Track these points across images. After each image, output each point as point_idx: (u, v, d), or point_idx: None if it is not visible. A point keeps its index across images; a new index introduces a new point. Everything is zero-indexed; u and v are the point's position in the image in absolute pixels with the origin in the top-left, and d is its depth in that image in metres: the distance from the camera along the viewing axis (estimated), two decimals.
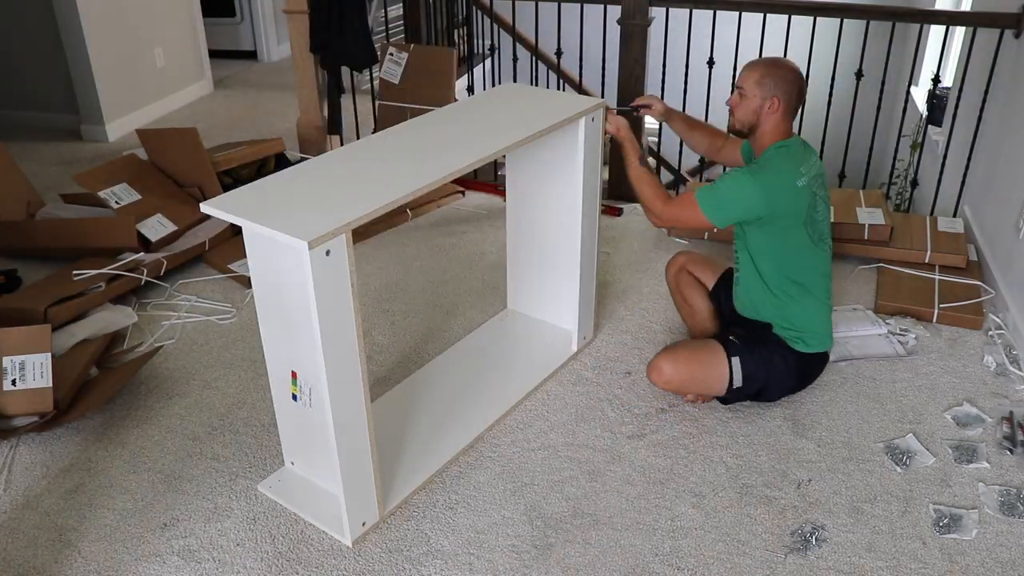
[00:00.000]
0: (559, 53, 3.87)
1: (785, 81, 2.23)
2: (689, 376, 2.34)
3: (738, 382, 2.31)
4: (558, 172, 2.46)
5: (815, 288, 2.33)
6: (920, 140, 3.85)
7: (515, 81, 4.04)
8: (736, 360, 2.30)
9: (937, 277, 3.00)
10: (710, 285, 2.62)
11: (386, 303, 2.99)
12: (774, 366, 2.32)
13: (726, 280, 2.58)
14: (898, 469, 2.18)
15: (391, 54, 3.91)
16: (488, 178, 4.14)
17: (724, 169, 2.58)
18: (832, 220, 2.62)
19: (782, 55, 3.47)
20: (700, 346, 2.39)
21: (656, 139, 4.22)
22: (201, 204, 1.78)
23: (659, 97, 2.76)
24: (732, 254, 2.49)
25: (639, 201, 2.42)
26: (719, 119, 3.72)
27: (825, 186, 2.34)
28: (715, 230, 3.18)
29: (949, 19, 3.44)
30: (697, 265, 2.65)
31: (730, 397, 2.37)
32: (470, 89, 4.40)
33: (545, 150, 2.46)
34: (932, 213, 3.76)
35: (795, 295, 2.31)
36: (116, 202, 3.27)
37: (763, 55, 3.45)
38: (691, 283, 2.64)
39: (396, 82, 3.92)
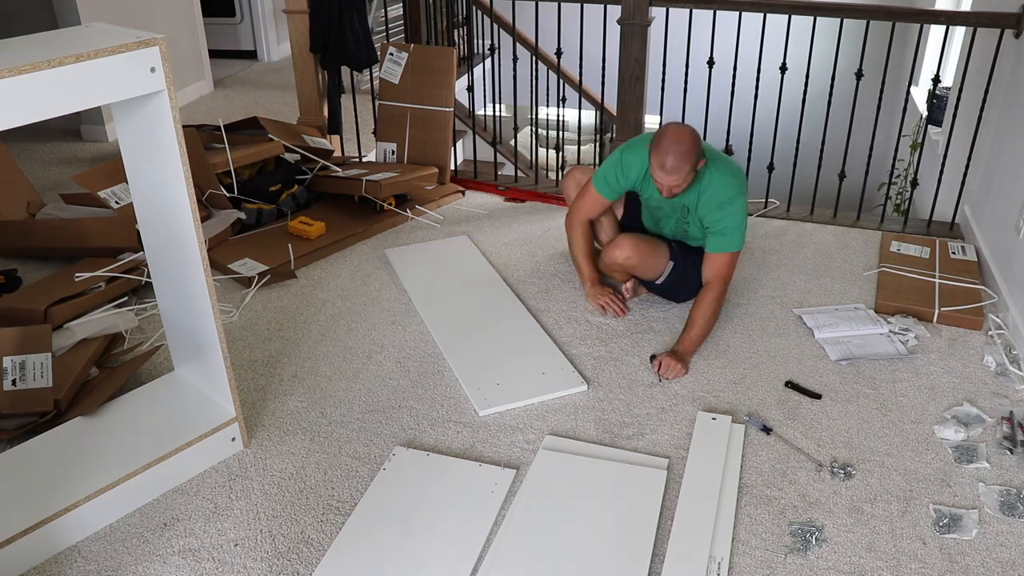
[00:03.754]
0: (559, 53, 3.87)
1: (697, 146, 2.52)
2: (639, 259, 2.77)
3: (662, 280, 2.83)
4: None
5: None
6: (920, 140, 3.85)
7: (515, 81, 4.04)
8: (671, 264, 2.81)
9: (937, 280, 3.00)
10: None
11: (386, 303, 2.99)
12: (688, 279, 2.77)
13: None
14: (898, 469, 2.18)
15: (391, 54, 3.92)
16: (488, 178, 4.15)
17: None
18: None
19: (782, 55, 3.51)
20: (653, 240, 2.84)
21: None
22: None
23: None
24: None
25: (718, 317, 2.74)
26: (719, 119, 3.75)
27: None
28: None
29: (949, 19, 3.43)
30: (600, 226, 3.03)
31: (654, 288, 2.89)
32: (470, 89, 4.40)
33: None
34: (932, 213, 3.77)
35: None
36: (116, 202, 3.27)
37: (763, 55, 3.50)
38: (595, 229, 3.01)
39: (396, 82, 3.92)
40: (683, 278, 2.82)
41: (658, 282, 2.85)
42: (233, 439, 2.23)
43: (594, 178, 2.83)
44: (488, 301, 2.97)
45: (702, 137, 2.65)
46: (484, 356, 2.63)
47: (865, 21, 3.41)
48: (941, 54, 3.48)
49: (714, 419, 2.34)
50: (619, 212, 3.03)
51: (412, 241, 3.45)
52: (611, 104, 3.93)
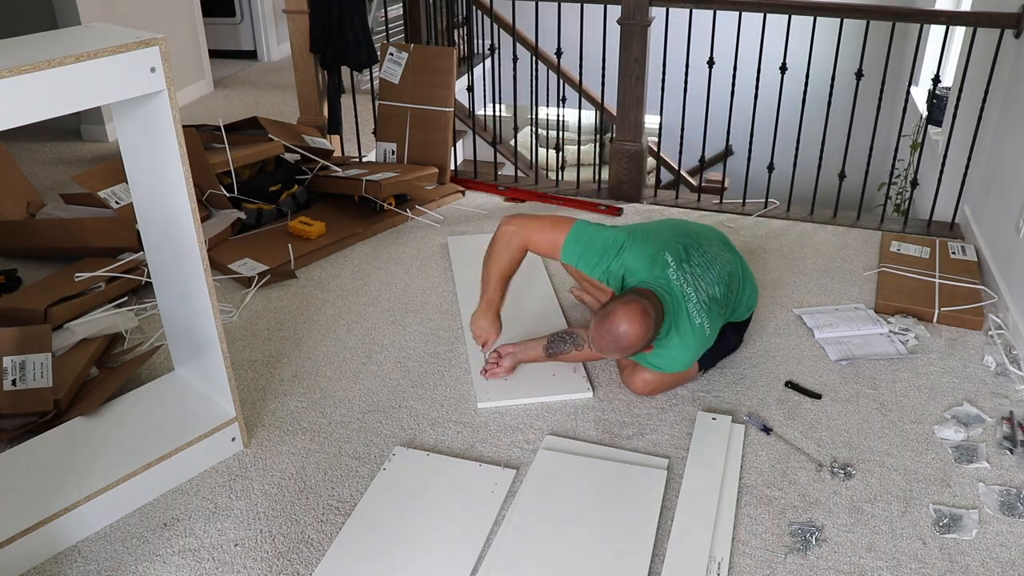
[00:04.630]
0: (559, 53, 3.87)
1: (653, 320, 2.14)
2: (670, 377, 2.41)
3: (704, 366, 2.50)
4: None
5: (744, 292, 2.53)
6: (920, 140, 3.86)
7: (515, 81, 4.04)
8: (701, 371, 2.51)
9: (937, 280, 3.00)
10: None
11: (386, 303, 2.99)
12: (725, 340, 2.52)
13: None
14: (898, 469, 2.18)
15: (391, 54, 3.92)
16: (488, 178, 4.14)
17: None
18: None
19: (782, 55, 3.51)
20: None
21: (656, 139, 4.22)
22: None
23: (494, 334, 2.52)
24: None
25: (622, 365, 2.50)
26: (719, 119, 3.75)
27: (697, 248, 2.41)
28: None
29: (949, 19, 3.43)
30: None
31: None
32: (470, 89, 4.40)
33: None
34: (932, 213, 3.77)
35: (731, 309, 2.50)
36: (116, 202, 3.27)
37: (763, 55, 3.50)
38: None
39: (396, 82, 3.92)
40: (715, 355, 2.51)
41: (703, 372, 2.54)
42: (233, 439, 2.23)
43: (574, 231, 2.38)
44: (527, 296, 2.93)
45: (676, 229, 2.44)
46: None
47: (865, 21, 3.41)
48: (941, 54, 3.48)
49: (714, 419, 2.34)
50: None
51: (412, 241, 3.45)
52: (611, 104, 3.93)
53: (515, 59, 3.97)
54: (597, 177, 4.04)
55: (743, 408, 2.41)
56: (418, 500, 2.07)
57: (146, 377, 2.51)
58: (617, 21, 3.58)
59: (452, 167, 4.12)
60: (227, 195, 3.44)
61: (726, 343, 2.55)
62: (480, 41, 5.71)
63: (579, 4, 3.77)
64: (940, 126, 4.73)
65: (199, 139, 3.46)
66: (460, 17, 5.55)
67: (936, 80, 3.44)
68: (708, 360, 2.49)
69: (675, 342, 2.26)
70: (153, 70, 1.77)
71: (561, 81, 4.01)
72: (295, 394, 2.50)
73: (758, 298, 2.69)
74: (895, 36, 3.58)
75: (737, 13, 3.53)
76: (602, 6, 3.76)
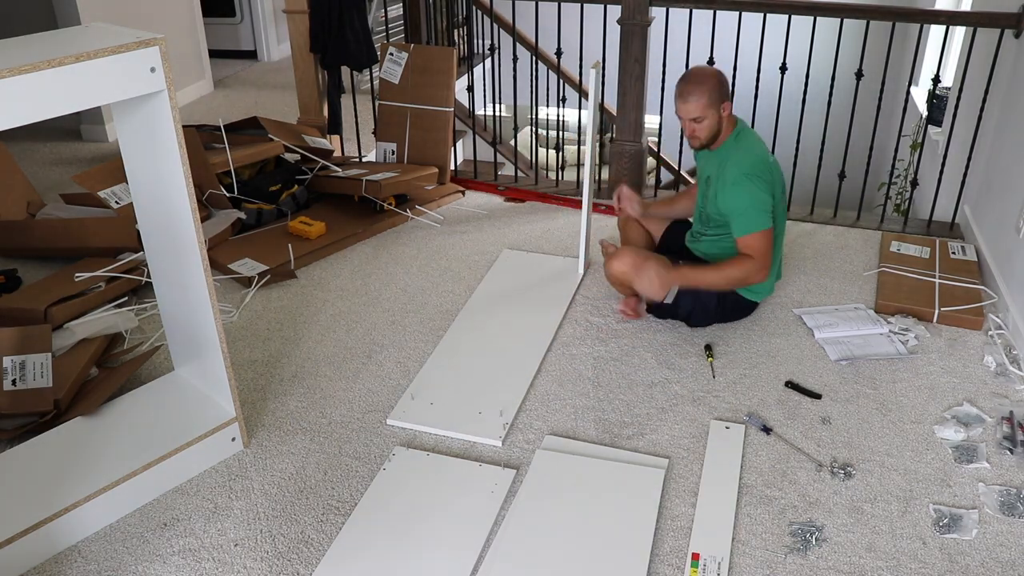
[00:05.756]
0: (559, 53, 3.87)
1: (720, 84, 2.49)
2: (636, 273, 2.59)
3: (668, 299, 2.62)
4: None
5: (776, 253, 2.67)
6: (920, 140, 3.85)
7: (515, 81, 4.04)
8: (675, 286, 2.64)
9: (937, 280, 3.00)
10: (656, 235, 3.00)
11: (386, 303, 2.99)
12: (701, 300, 2.65)
13: (673, 232, 2.97)
14: (898, 469, 2.18)
15: (391, 54, 3.92)
16: (488, 178, 4.14)
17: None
18: None
19: (782, 55, 3.51)
20: (657, 256, 2.65)
21: (656, 139, 4.22)
22: None
23: (634, 194, 2.95)
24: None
25: (737, 287, 2.66)
26: None
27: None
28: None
29: (949, 19, 3.43)
30: (648, 221, 3.02)
31: (657, 310, 2.76)
32: (470, 89, 4.40)
33: None
34: (932, 213, 3.77)
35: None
36: (116, 202, 3.27)
37: (763, 55, 3.50)
38: (636, 227, 3.01)
39: (396, 82, 3.92)
40: (696, 300, 2.68)
41: (666, 301, 2.66)
42: (233, 439, 2.23)
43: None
44: (524, 325, 2.81)
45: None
46: (463, 373, 2.56)
47: (865, 21, 3.41)
48: (941, 54, 3.48)
49: (728, 428, 2.33)
50: (657, 235, 3.01)
51: (413, 241, 3.45)
52: (611, 104, 3.93)
53: (515, 59, 3.97)
54: (597, 177, 4.03)
55: (743, 408, 2.41)
56: (418, 500, 2.07)
57: (146, 377, 2.51)
58: (617, 21, 3.58)
59: (452, 167, 4.12)
60: (227, 195, 3.44)
61: (703, 312, 2.71)
62: (480, 41, 5.71)
63: (579, 4, 3.77)
64: (940, 126, 4.73)
65: (199, 139, 3.46)
66: (460, 17, 5.55)
67: (936, 80, 3.44)
68: (698, 315, 2.70)
69: (740, 146, 2.56)
70: (153, 70, 1.77)
71: (561, 81, 4.01)
72: (295, 394, 2.50)
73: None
74: (895, 36, 3.58)
75: (737, 13, 3.53)
76: (602, 6, 3.76)
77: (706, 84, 2.48)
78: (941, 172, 3.67)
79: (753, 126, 3.66)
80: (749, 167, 2.55)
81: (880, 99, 3.53)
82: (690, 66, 3.67)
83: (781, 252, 2.77)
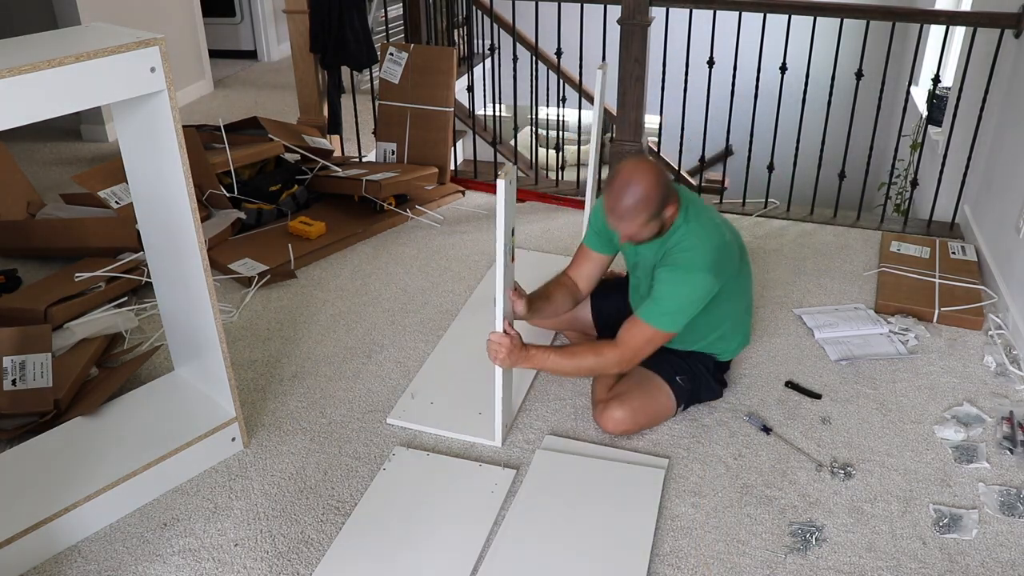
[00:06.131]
0: (559, 53, 3.87)
1: (659, 196, 2.03)
2: (644, 416, 2.28)
3: (683, 402, 2.34)
4: None
5: (739, 316, 2.38)
6: (920, 140, 3.86)
7: (515, 81, 4.04)
8: (680, 406, 2.33)
9: (937, 280, 3.00)
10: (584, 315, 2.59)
11: (386, 303, 2.99)
12: (699, 375, 2.35)
13: (606, 294, 2.55)
14: (898, 469, 2.18)
15: (391, 54, 3.92)
16: (488, 178, 4.14)
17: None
18: None
19: (782, 55, 3.51)
20: (640, 379, 2.30)
21: (656, 139, 4.22)
22: None
23: (522, 293, 2.26)
24: None
25: (592, 374, 2.36)
26: (719, 119, 3.75)
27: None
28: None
29: (949, 19, 3.43)
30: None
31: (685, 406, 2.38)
32: (470, 89, 4.40)
33: None
34: (932, 213, 3.77)
35: (722, 333, 2.36)
36: (116, 202, 3.27)
37: (763, 55, 3.50)
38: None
39: (396, 82, 3.92)
40: (696, 395, 2.38)
41: (680, 409, 2.36)
42: (233, 439, 2.23)
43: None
44: (524, 323, 2.62)
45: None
46: (463, 373, 2.53)
47: (865, 21, 3.41)
48: (941, 54, 3.48)
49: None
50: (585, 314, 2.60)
51: (413, 241, 3.45)
52: (611, 104, 3.93)
53: (515, 59, 3.97)
54: (597, 177, 4.02)
55: (743, 408, 2.41)
56: (418, 500, 2.07)
57: (146, 377, 2.51)
58: (617, 21, 3.58)
59: (452, 167, 4.12)
60: (227, 195, 3.44)
61: (710, 391, 2.39)
62: (480, 41, 5.71)
63: (579, 4, 3.77)
64: (940, 126, 4.73)
65: (199, 139, 3.46)
66: (460, 17, 5.55)
67: (936, 80, 3.44)
68: (687, 397, 2.34)
69: (691, 230, 2.09)
70: (153, 70, 1.77)
71: (561, 81, 4.01)
72: (295, 394, 2.50)
73: (750, 324, 2.51)
74: (895, 36, 3.58)
75: (737, 13, 3.53)
76: (602, 6, 3.76)
77: (643, 205, 2.02)
78: (941, 172, 3.67)
79: (753, 126, 3.68)
80: (710, 260, 2.12)
81: (880, 99, 3.53)
82: (690, 66, 3.62)
83: (750, 318, 2.47)
